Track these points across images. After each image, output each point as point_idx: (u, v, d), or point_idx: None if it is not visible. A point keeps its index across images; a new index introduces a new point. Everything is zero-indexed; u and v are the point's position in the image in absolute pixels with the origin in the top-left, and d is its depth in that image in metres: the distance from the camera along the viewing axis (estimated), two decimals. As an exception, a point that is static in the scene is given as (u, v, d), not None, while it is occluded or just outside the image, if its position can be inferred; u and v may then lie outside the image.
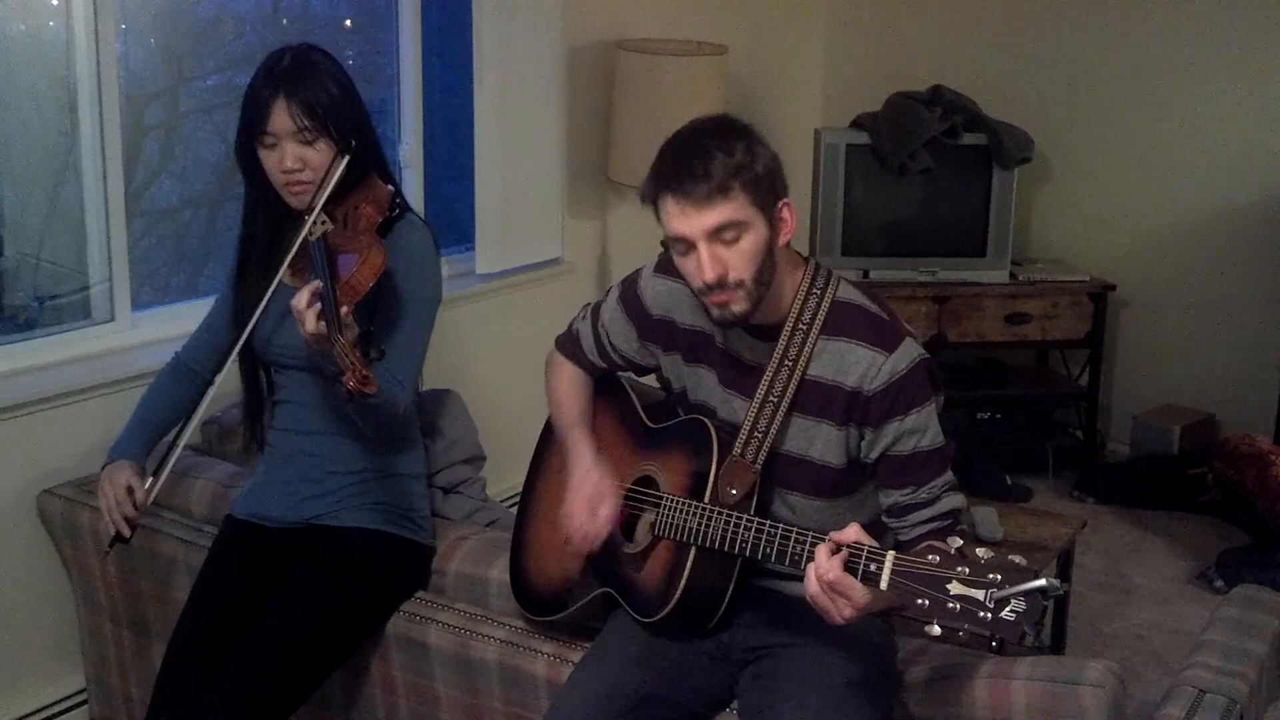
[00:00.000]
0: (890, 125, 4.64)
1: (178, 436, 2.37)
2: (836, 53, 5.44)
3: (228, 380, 2.39)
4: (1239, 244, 4.65)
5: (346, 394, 2.05)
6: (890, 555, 1.72)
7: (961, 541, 1.68)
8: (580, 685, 2.04)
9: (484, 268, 3.93)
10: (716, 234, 1.89)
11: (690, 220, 1.89)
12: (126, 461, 2.39)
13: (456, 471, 2.72)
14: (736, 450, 2.00)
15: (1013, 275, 4.70)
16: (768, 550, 1.89)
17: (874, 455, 1.99)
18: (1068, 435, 4.86)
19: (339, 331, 2.07)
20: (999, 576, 1.62)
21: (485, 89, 3.80)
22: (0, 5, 2.96)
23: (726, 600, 2.02)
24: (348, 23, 3.93)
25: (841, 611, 1.75)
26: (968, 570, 1.64)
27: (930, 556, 1.68)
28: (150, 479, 2.35)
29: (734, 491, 1.98)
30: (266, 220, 2.39)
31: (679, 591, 1.99)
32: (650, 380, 2.33)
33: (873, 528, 1.94)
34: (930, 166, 4.57)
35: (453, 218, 4.18)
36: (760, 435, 1.99)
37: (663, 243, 4.10)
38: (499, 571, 2.36)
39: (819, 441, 2.00)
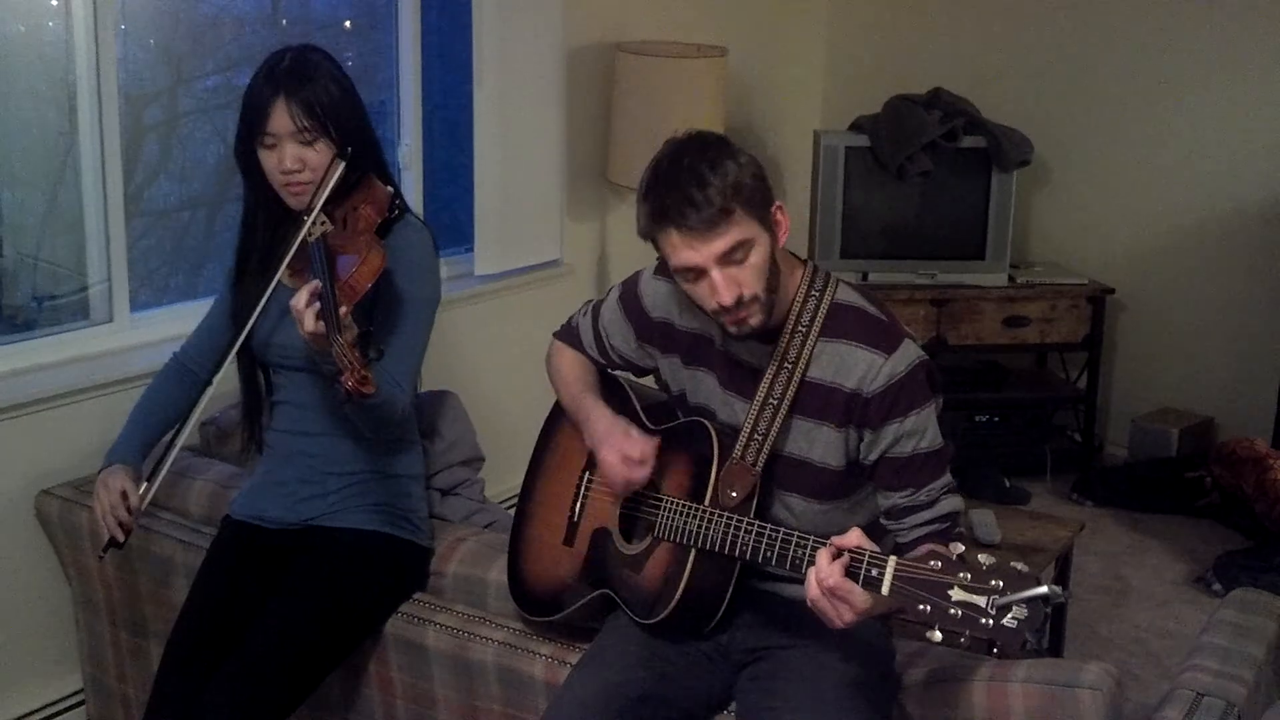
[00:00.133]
0: (890, 128, 4.64)
1: (174, 438, 2.37)
2: (836, 55, 5.44)
3: (226, 381, 2.39)
4: (1237, 247, 4.65)
5: (345, 394, 2.05)
6: (892, 560, 1.71)
7: (964, 548, 1.68)
8: (578, 687, 2.04)
9: (483, 269, 3.93)
10: (726, 257, 1.88)
11: (699, 250, 1.88)
12: (121, 466, 2.39)
13: (455, 473, 2.72)
14: (736, 453, 2.00)
15: (1011, 278, 4.70)
16: (768, 554, 1.89)
17: (873, 457, 1.99)
18: (1066, 438, 4.86)
19: (338, 332, 2.07)
20: (1001, 583, 1.61)
21: (485, 90, 3.80)
22: None
23: (725, 602, 2.02)
24: (347, 24, 3.93)
25: (842, 616, 1.75)
26: (970, 576, 1.64)
27: (932, 562, 1.67)
28: (145, 484, 2.35)
29: (734, 494, 1.98)
30: (266, 221, 2.39)
31: (678, 594, 1.99)
32: (648, 381, 2.33)
33: (871, 529, 1.94)
34: (929, 169, 4.57)
35: (452, 219, 4.18)
36: (760, 437, 1.99)
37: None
38: (497, 573, 2.36)
39: (819, 443, 2.01)
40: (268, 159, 2.29)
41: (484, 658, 2.28)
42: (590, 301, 2.31)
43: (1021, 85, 4.97)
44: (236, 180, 2.41)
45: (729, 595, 2.02)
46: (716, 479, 2.00)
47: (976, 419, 4.72)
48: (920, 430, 1.97)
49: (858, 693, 1.93)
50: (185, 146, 3.63)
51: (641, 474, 2.06)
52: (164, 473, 2.34)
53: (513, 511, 2.37)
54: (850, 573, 1.74)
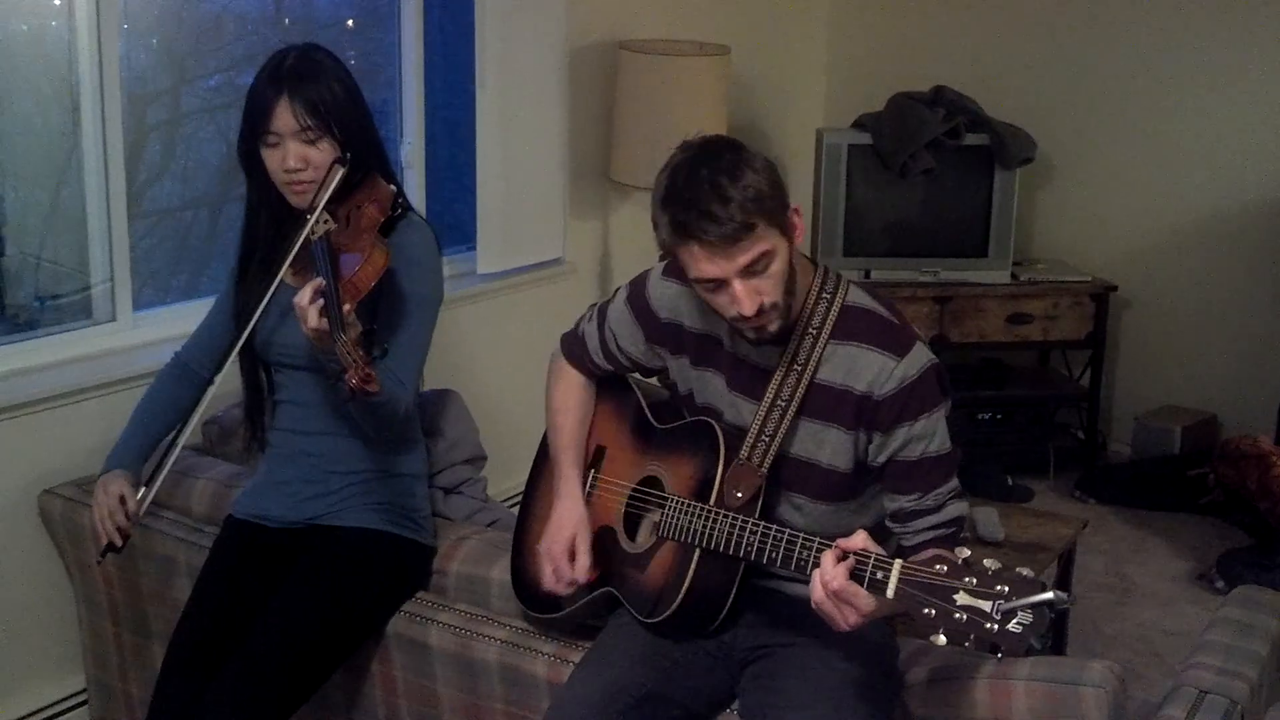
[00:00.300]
0: (892, 126, 4.63)
1: (174, 439, 2.37)
2: (839, 53, 5.44)
3: (228, 380, 2.39)
4: (1241, 244, 4.65)
5: (349, 392, 2.05)
6: (897, 564, 1.71)
7: (969, 552, 1.67)
8: (581, 685, 2.04)
9: (485, 268, 3.93)
10: (749, 268, 1.87)
11: (722, 264, 1.86)
12: (120, 471, 2.39)
13: (457, 472, 2.72)
14: (743, 454, 2.00)
15: (1014, 276, 4.70)
16: (773, 555, 1.89)
17: (881, 459, 1.99)
18: (1069, 436, 4.85)
19: (341, 330, 2.07)
20: (1006, 588, 1.61)
21: (487, 89, 3.80)
22: (2, 5, 2.96)
23: (729, 602, 2.02)
24: (350, 23, 3.93)
25: (847, 619, 1.75)
26: (975, 581, 1.63)
27: (938, 566, 1.67)
28: (143, 489, 2.35)
29: (739, 494, 1.98)
30: (269, 220, 2.39)
31: (682, 593, 1.99)
32: (653, 380, 2.33)
33: (877, 531, 1.94)
34: (932, 167, 4.57)
35: (454, 218, 4.18)
36: (768, 439, 1.99)
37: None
38: (500, 572, 2.36)
39: (827, 445, 2.00)
40: (271, 158, 2.29)
41: (487, 656, 2.28)
42: (595, 305, 2.30)
43: (1024, 83, 4.96)
44: (239, 179, 2.41)
45: (733, 595, 2.02)
46: (722, 479, 2.00)
47: (979, 417, 4.72)
48: (930, 434, 1.96)
49: (861, 691, 1.93)
50: (188, 146, 3.63)
51: (569, 573, 2.12)
52: (163, 477, 2.33)
53: (515, 510, 2.37)
54: (855, 575, 1.73)
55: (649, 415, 2.20)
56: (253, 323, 2.31)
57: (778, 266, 1.90)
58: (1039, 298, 4.65)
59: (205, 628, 2.32)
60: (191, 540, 2.60)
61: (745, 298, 1.88)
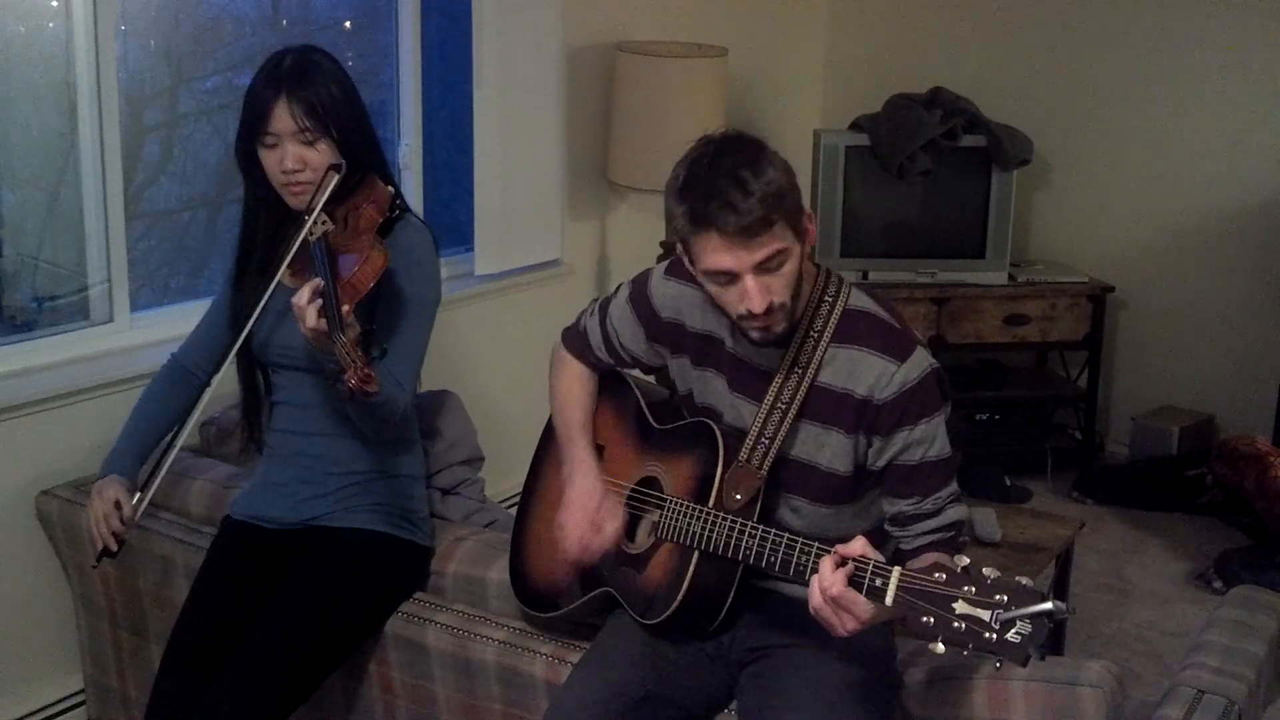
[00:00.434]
0: (890, 127, 4.64)
1: (171, 442, 2.36)
2: (836, 54, 5.44)
3: (226, 381, 2.39)
4: (1238, 245, 4.65)
5: (348, 392, 2.05)
6: (896, 571, 1.70)
7: (968, 560, 1.66)
8: (579, 686, 2.04)
9: (483, 269, 3.93)
10: (763, 265, 1.86)
11: (739, 256, 1.85)
12: (116, 477, 2.39)
13: (455, 473, 2.72)
14: (743, 455, 2.00)
15: (1012, 277, 4.70)
16: (771, 559, 1.89)
17: (881, 463, 1.99)
18: (1067, 436, 4.86)
19: (340, 330, 2.07)
20: (1005, 597, 1.60)
21: (485, 90, 3.80)
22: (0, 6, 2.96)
23: (727, 604, 2.02)
24: (348, 24, 3.93)
25: (845, 625, 1.74)
26: (974, 590, 1.62)
27: (937, 574, 1.66)
28: (139, 494, 2.34)
29: (738, 497, 1.97)
30: (267, 221, 2.40)
31: (680, 595, 1.99)
32: (651, 379, 2.33)
33: (875, 534, 1.94)
34: (930, 168, 4.57)
35: (452, 219, 4.18)
36: (768, 441, 1.99)
37: (662, 244, 4.11)
38: (497, 572, 2.36)
39: (827, 448, 2.00)
40: (269, 159, 2.29)
41: (484, 657, 2.28)
42: (597, 300, 2.30)
43: (1022, 84, 4.97)
44: (237, 181, 2.41)
45: (731, 597, 2.01)
46: (721, 481, 2.00)
47: (977, 417, 4.72)
48: (929, 438, 1.96)
49: (859, 691, 1.93)
50: (186, 147, 3.63)
51: (599, 542, 2.07)
52: (159, 481, 2.33)
53: (513, 511, 2.37)
54: (854, 582, 1.72)
55: (648, 415, 2.20)
56: (251, 324, 2.31)
57: (790, 267, 1.89)
58: (1036, 299, 4.65)
59: (203, 628, 2.32)
60: (189, 541, 2.60)
61: (756, 294, 1.87)
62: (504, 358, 4.01)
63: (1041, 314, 4.65)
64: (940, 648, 1.63)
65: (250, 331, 2.34)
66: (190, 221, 3.69)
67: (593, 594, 2.15)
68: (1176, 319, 4.82)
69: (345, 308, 2.10)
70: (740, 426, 2.04)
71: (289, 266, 2.26)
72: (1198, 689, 1.92)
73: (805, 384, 1.98)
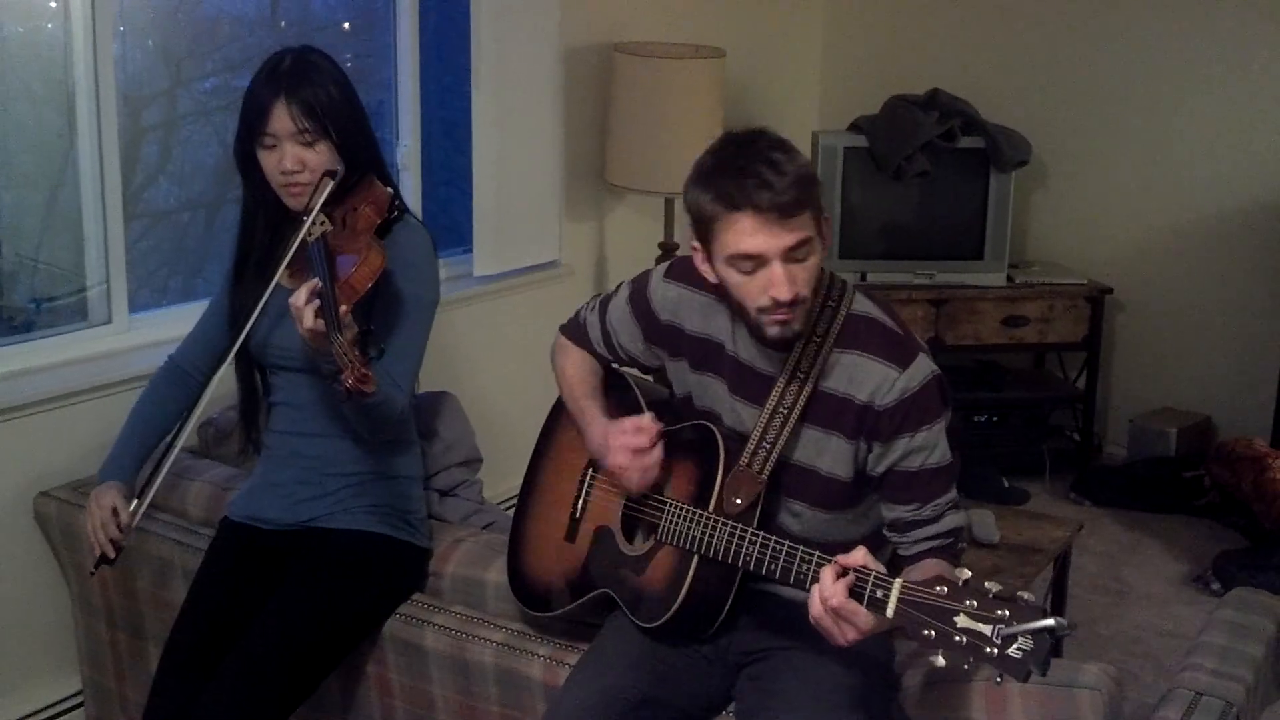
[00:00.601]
0: (887, 129, 4.64)
1: (170, 444, 2.36)
2: (834, 56, 5.44)
3: (224, 382, 2.39)
4: (1236, 247, 4.65)
5: (345, 392, 2.05)
6: (898, 583, 1.69)
7: (970, 573, 1.66)
8: (577, 688, 2.04)
9: (481, 270, 3.93)
10: (791, 252, 1.85)
11: (771, 238, 1.84)
12: (113, 483, 2.38)
13: (453, 474, 2.72)
14: (743, 460, 1.99)
15: (1010, 278, 4.70)
16: (772, 567, 1.89)
17: (880, 469, 1.98)
18: (1065, 438, 4.86)
19: (337, 331, 2.07)
20: (1007, 612, 1.59)
21: (483, 91, 3.80)
22: (-2, 7, 2.96)
23: (726, 609, 2.02)
24: (346, 25, 3.93)
25: (845, 635, 1.74)
26: (976, 604, 1.62)
27: (938, 588, 1.65)
28: (136, 501, 2.34)
29: (738, 501, 1.97)
30: (265, 222, 2.40)
31: (679, 600, 1.99)
32: (649, 378, 2.33)
33: (873, 540, 1.94)
34: (927, 170, 4.57)
35: (450, 220, 4.18)
36: (769, 445, 1.98)
37: (661, 245, 4.11)
38: (496, 574, 2.36)
39: (828, 454, 2.00)
40: (267, 160, 2.29)
41: (482, 659, 2.28)
42: (598, 296, 2.30)
43: (1020, 86, 4.97)
44: (235, 181, 2.41)
45: (730, 601, 2.01)
46: (721, 485, 2.00)
47: (975, 419, 4.72)
48: (930, 445, 1.96)
49: (857, 694, 1.93)
50: (184, 148, 3.62)
51: (652, 461, 2.03)
52: (156, 486, 2.33)
53: (511, 513, 2.37)
54: (855, 593, 1.72)
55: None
56: (249, 324, 2.31)
57: (814, 261, 1.89)
58: (1034, 300, 4.65)
59: (201, 630, 2.32)
60: (187, 542, 2.60)
61: (784, 281, 1.85)
62: (502, 359, 4.01)
63: (1039, 315, 4.66)
64: (941, 661, 1.62)
65: (248, 332, 2.34)
66: (189, 222, 3.69)
67: (591, 595, 2.15)
68: (1175, 321, 4.82)
69: (343, 308, 2.10)
70: (740, 430, 2.04)
71: (287, 267, 2.26)
72: (1195, 691, 1.92)
73: (807, 389, 1.97)
